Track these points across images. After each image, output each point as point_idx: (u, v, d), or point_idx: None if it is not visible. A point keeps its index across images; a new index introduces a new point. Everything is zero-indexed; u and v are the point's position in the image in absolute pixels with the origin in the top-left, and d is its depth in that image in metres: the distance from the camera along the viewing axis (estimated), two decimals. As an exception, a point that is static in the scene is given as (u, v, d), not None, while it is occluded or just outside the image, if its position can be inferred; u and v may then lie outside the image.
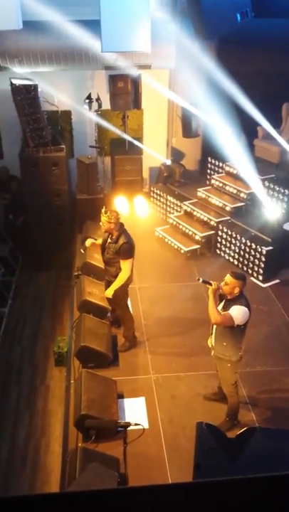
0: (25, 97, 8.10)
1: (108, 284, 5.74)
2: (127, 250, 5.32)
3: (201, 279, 4.43)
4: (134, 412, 4.97)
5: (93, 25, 6.76)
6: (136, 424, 3.77)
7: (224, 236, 7.80)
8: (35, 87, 8.17)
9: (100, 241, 5.67)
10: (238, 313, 4.24)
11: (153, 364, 5.66)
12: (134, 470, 4.11)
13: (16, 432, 5.90)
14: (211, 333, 4.56)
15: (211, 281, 4.32)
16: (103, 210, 5.36)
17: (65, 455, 4.56)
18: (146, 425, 4.69)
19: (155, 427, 4.80)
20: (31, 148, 8.30)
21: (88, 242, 5.83)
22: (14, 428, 5.96)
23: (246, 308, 4.27)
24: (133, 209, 9.20)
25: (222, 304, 4.41)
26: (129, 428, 3.78)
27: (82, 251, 6.70)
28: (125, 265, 5.36)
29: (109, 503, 1.14)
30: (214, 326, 4.47)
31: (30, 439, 5.81)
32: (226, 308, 4.33)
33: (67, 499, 1.18)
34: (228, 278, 4.29)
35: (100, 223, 5.43)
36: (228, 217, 8.02)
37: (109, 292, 5.49)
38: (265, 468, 2.99)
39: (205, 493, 1.18)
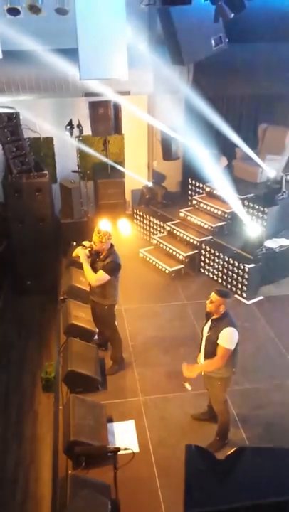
0: (7, 124, 8.21)
1: (93, 305, 5.76)
2: (111, 268, 5.37)
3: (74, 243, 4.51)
4: (124, 435, 4.96)
5: (71, 54, 6.91)
6: (126, 449, 3.77)
7: (207, 255, 7.92)
8: (17, 114, 8.29)
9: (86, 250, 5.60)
10: (230, 340, 4.27)
11: (141, 386, 5.67)
12: (125, 495, 4.10)
13: (4, 460, 5.82)
14: (200, 351, 4.58)
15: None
16: (96, 230, 5.44)
17: (55, 483, 4.52)
18: (136, 448, 4.69)
19: (145, 450, 4.78)
20: (14, 174, 8.37)
21: (76, 253, 5.77)
22: (3, 455, 5.87)
23: (233, 329, 4.30)
24: (117, 231, 9.27)
25: (209, 323, 4.43)
26: (119, 452, 3.77)
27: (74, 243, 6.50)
28: (99, 275, 5.34)
29: None
30: (203, 345, 4.49)
31: (19, 466, 5.73)
32: (213, 327, 4.36)
33: None
34: (214, 296, 4.34)
35: (92, 243, 5.48)
36: (211, 237, 8.15)
37: (90, 278, 5.40)
38: (255, 489, 3.02)
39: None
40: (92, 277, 5.39)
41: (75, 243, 5.86)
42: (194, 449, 3.54)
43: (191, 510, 2.80)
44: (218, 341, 4.28)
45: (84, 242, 5.63)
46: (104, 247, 5.40)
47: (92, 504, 3.69)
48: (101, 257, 5.46)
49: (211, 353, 4.41)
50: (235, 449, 3.78)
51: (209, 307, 4.37)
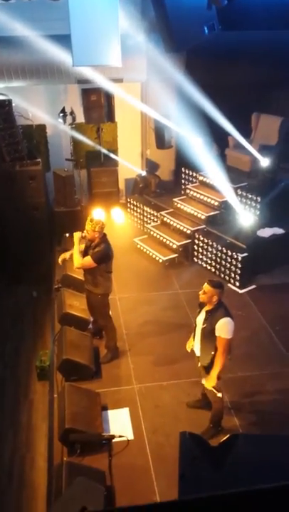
0: (0, 111, 8.12)
1: (88, 294, 5.80)
2: (99, 257, 5.39)
3: (67, 234, 4.58)
4: (119, 423, 5.02)
5: (64, 40, 6.83)
6: (120, 436, 3.82)
7: (200, 244, 7.94)
8: (10, 101, 8.21)
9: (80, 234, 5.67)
10: (228, 329, 4.28)
11: (136, 374, 5.72)
12: (120, 482, 4.16)
13: (0, 448, 5.87)
14: (193, 339, 4.62)
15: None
16: (89, 219, 5.45)
17: (50, 470, 4.57)
18: (130, 436, 4.75)
19: (140, 438, 4.85)
20: (7, 162, 8.31)
21: (61, 258, 5.87)
22: (-2, 444, 5.93)
23: (229, 318, 4.31)
24: (111, 220, 9.27)
25: (203, 315, 4.43)
26: (114, 440, 3.82)
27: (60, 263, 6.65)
28: (85, 260, 5.40)
29: None
30: (197, 335, 4.52)
31: (15, 455, 5.78)
32: (208, 319, 4.36)
33: None
34: (206, 287, 4.35)
35: (85, 231, 5.50)
36: (204, 226, 8.16)
37: (75, 260, 5.47)
38: (249, 475, 3.07)
39: (193, 510, 1.21)
40: (77, 260, 5.44)
41: (67, 234, 5.88)
42: (188, 436, 3.60)
43: (185, 496, 2.86)
44: (216, 334, 4.29)
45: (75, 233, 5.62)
46: (96, 235, 5.42)
47: (87, 491, 3.74)
48: (92, 245, 5.48)
49: (207, 345, 4.42)
50: (228, 436, 3.84)
51: (202, 298, 4.38)
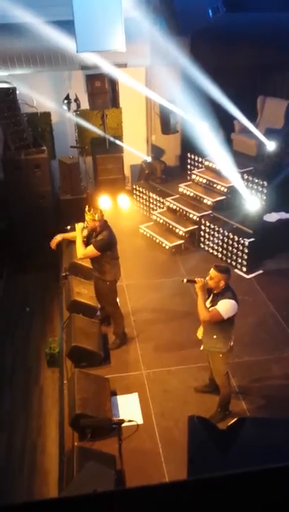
0: (4, 100, 8.11)
1: (96, 281, 5.85)
2: (101, 245, 5.37)
3: (185, 280, 4.49)
4: (128, 408, 5.08)
5: (67, 26, 6.77)
6: (130, 421, 3.87)
7: (207, 230, 7.93)
8: (14, 89, 8.17)
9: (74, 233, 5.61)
10: (225, 307, 4.31)
11: (144, 360, 5.77)
12: (130, 466, 4.23)
13: (12, 435, 5.97)
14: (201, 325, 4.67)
15: (195, 279, 4.38)
16: (87, 209, 5.44)
17: (61, 455, 4.65)
18: (140, 421, 4.81)
19: (149, 422, 4.91)
20: (13, 150, 8.30)
21: (53, 244, 5.77)
22: (10, 430, 6.02)
23: (233, 301, 4.34)
24: (117, 207, 9.28)
25: (210, 298, 4.47)
26: (123, 424, 3.88)
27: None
28: (89, 249, 5.39)
29: (105, 506, 1.19)
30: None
31: (26, 441, 5.88)
32: (213, 302, 4.40)
33: (67, 504, 1.22)
34: (213, 272, 4.36)
35: (85, 222, 5.50)
36: (210, 211, 8.14)
37: (78, 251, 5.47)
38: (257, 457, 3.12)
39: (202, 489, 1.23)
40: (80, 250, 5.45)
41: (69, 227, 5.82)
42: (197, 420, 3.65)
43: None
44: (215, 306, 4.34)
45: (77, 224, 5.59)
46: (97, 224, 5.40)
47: (98, 475, 3.81)
48: (95, 234, 5.48)
49: (210, 328, 4.47)
50: (236, 419, 3.88)
51: (210, 283, 4.39)
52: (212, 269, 4.39)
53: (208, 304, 4.44)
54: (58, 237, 5.72)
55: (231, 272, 4.61)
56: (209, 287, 4.45)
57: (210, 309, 4.36)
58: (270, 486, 1.25)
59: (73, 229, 5.62)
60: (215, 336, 4.48)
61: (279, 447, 3.16)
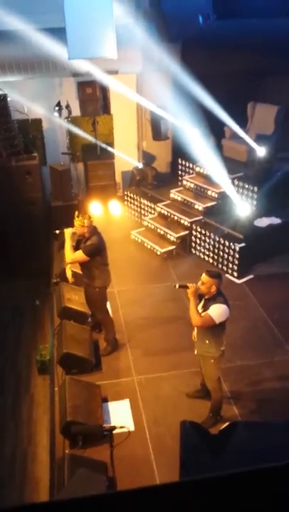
0: (-6, 106, 8.09)
1: (86, 287, 5.85)
2: (90, 250, 5.38)
3: (177, 285, 4.49)
4: (120, 414, 5.04)
5: (59, 33, 6.79)
6: (121, 427, 3.84)
7: (198, 235, 7.94)
8: (5, 96, 8.17)
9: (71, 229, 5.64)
10: (217, 312, 4.30)
11: (135, 366, 5.74)
12: (122, 473, 4.18)
13: (2, 443, 5.89)
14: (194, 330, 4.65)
15: (187, 284, 4.37)
16: (76, 215, 5.45)
17: (52, 463, 4.59)
18: (131, 427, 4.77)
19: (140, 429, 4.87)
20: (4, 157, 8.28)
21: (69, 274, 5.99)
22: (0, 438, 5.95)
23: (225, 306, 4.34)
24: (108, 213, 9.27)
25: (201, 303, 4.47)
26: (114, 431, 3.84)
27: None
28: (76, 254, 5.41)
29: (97, 509, 1.17)
30: None
31: (16, 449, 5.81)
32: (205, 307, 4.40)
33: (57, 508, 1.20)
34: (204, 277, 4.36)
35: (74, 228, 5.50)
36: (201, 217, 8.16)
37: (67, 256, 5.54)
38: (249, 461, 3.10)
39: (193, 491, 1.22)
40: (68, 255, 5.49)
41: (58, 231, 5.86)
42: (189, 425, 3.63)
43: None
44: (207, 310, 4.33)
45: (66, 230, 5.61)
46: (85, 230, 5.41)
47: (90, 482, 3.77)
48: (84, 239, 5.48)
49: (203, 332, 4.47)
50: (228, 424, 3.87)
51: (201, 288, 4.38)
52: (204, 274, 4.40)
53: (199, 308, 4.43)
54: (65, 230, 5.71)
55: (223, 277, 4.62)
56: (201, 292, 4.44)
57: (202, 314, 4.35)
58: (263, 485, 1.25)
59: (62, 234, 5.63)
60: (207, 341, 4.48)
61: (271, 451, 3.15)
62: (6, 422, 6.16)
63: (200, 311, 4.44)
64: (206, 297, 4.42)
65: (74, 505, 1.20)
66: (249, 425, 4.05)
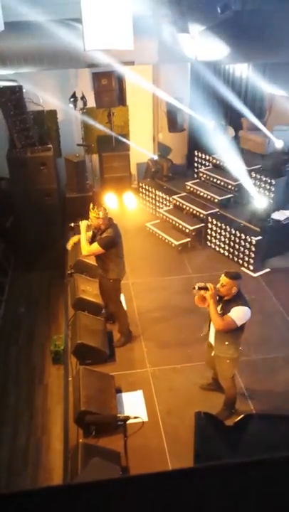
0: (10, 98, 8.10)
1: (100, 279, 5.83)
2: (105, 242, 5.34)
3: (197, 286, 4.26)
4: (133, 405, 5.03)
5: (74, 24, 6.76)
6: (135, 417, 3.83)
7: (214, 228, 7.88)
8: (20, 88, 8.17)
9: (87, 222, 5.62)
10: (239, 315, 4.18)
11: (149, 357, 5.73)
12: (135, 462, 4.18)
13: (16, 432, 5.94)
14: (209, 329, 4.54)
15: (207, 286, 4.20)
16: (91, 207, 5.42)
17: (66, 452, 4.61)
18: (145, 418, 4.76)
19: (154, 419, 4.86)
20: (19, 148, 8.30)
21: (69, 245, 5.87)
22: (15, 428, 6.00)
23: (247, 308, 4.20)
24: (123, 205, 9.24)
25: (220, 304, 4.30)
26: (128, 421, 3.84)
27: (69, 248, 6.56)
28: (92, 247, 5.38)
29: (109, 492, 1.16)
30: (213, 326, 4.42)
31: (30, 438, 5.85)
32: (224, 309, 4.25)
33: (70, 491, 1.19)
34: (224, 279, 4.20)
35: (89, 220, 5.47)
36: (217, 209, 8.09)
37: (83, 248, 5.49)
38: (264, 454, 3.06)
39: (207, 477, 1.19)
40: (84, 247, 5.44)
41: (72, 224, 5.82)
42: (203, 416, 3.60)
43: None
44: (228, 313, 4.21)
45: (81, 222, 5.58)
46: (101, 222, 5.38)
47: (103, 471, 3.77)
48: (99, 231, 5.45)
49: (222, 334, 4.35)
50: (243, 415, 3.83)
51: (221, 291, 4.22)
52: (223, 276, 4.24)
53: (218, 310, 4.29)
54: (75, 239, 5.70)
55: (242, 276, 4.48)
56: (220, 294, 4.28)
57: (223, 317, 4.22)
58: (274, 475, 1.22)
59: (78, 226, 5.59)
60: (227, 343, 4.37)
61: (286, 443, 3.11)
62: (20, 412, 6.20)
63: (219, 312, 4.29)
64: (226, 298, 4.27)
65: (88, 489, 1.18)
66: (264, 417, 4.01)
